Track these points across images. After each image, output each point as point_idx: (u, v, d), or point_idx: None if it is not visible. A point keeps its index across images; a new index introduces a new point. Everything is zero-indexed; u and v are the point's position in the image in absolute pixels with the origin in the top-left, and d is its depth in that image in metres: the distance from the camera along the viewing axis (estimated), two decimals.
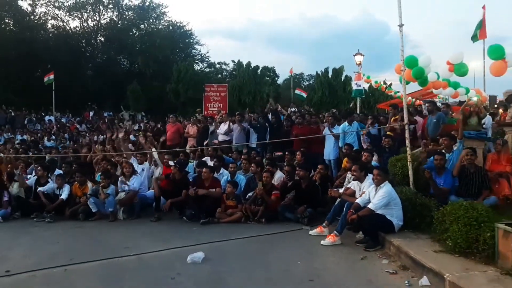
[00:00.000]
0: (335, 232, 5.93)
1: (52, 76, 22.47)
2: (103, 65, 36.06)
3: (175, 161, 8.90)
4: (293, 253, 5.60)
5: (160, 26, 39.13)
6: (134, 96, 29.12)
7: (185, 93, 27.16)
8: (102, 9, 37.59)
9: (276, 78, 35.21)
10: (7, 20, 33.04)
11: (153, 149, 9.86)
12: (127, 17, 38.65)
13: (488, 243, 4.45)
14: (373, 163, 7.68)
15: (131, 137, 13.66)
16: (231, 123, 11.58)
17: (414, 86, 10.50)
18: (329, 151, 9.63)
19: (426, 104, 9.39)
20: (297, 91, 25.31)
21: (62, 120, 23.21)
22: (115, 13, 38.29)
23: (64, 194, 8.37)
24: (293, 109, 16.74)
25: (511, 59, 6.08)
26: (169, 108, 26.45)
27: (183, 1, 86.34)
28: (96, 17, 37.79)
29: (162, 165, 9.35)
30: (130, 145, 11.35)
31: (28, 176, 9.63)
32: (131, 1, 38.25)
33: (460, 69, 7.15)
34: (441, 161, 6.59)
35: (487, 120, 9.75)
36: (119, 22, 38.04)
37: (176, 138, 12.46)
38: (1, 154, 11.29)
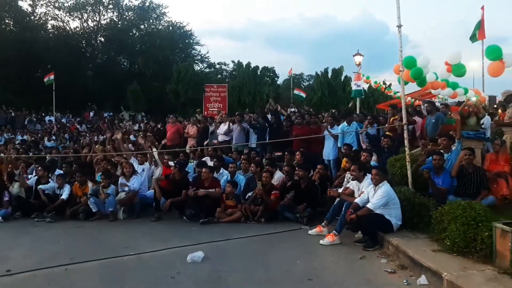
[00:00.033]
0: (334, 231, 5.96)
1: (52, 77, 22.50)
2: (103, 66, 36.09)
3: (175, 162, 8.94)
4: (293, 252, 5.63)
5: (160, 27, 39.19)
6: (134, 96, 29.16)
7: (185, 93, 27.20)
8: (102, 9, 37.66)
9: (276, 79, 35.26)
10: (7, 21, 33.08)
11: (154, 149, 9.90)
12: (127, 18, 38.69)
13: (486, 243, 4.46)
14: (372, 163, 7.71)
15: (131, 137, 13.70)
16: (230, 124, 11.62)
17: (414, 87, 10.53)
18: (328, 151, 9.67)
19: (425, 105, 9.41)
20: (295, 91, 25.35)
21: (62, 121, 23.22)
22: (115, 14, 38.38)
23: (64, 194, 8.41)
24: (292, 110, 16.78)
25: (508, 59, 6.10)
26: (169, 109, 26.48)
27: (183, 2, 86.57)
28: (96, 17, 37.88)
29: (162, 165, 9.38)
30: (130, 145, 11.39)
31: (29, 176, 9.67)
32: (131, 2, 38.40)
33: (458, 69, 7.18)
34: (439, 161, 6.62)
35: (486, 120, 9.80)
36: (119, 22, 38.08)
37: (176, 139, 12.49)
38: (2, 154, 11.32)
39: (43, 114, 24.75)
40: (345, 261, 5.23)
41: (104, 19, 38.15)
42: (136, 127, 18.59)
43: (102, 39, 38.33)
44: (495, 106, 14.77)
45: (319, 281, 4.60)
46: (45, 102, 25.28)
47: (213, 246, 5.97)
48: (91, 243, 6.45)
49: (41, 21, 35.35)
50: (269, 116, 11.23)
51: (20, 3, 33.79)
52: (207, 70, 39.24)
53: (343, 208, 6.12)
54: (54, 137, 16.73)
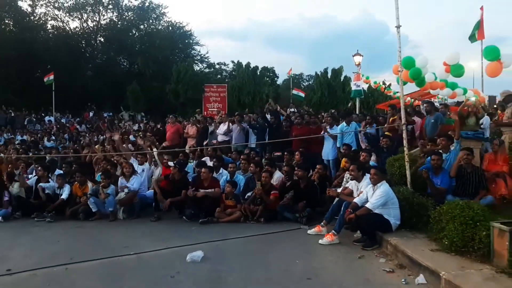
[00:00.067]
0: (333, 231, 5.98)
1: (52, 77, 22.53)
2: (102, 66, 36.13)
3: (175, 162, 8.96)
4: (292, 252, 5.65)
5: (160, 27, 39.23)
6: (133, 96, 29.19)
7: (185, 93, 27.23)
8: (101, 9, 37.69)
9: (275, 79, 35.28)
10: (7, 21, 33.10)
11: (154, 149, 9.92)
12: (127, 18, 38.72)
13: (484, 242, 4.49)
14: (371, 163, 7.73)
15: (131, 137, 13.72)
16: (230, 124, 11.64)
17: (413, 87, 10.56)
18: (327, 151, 9.69)
19: (424, 105, 9.44)
20: (294, 91, 25.38)
21: (62, 121, 23.26)
22: (115, 14, 38.41)
23: (64, 194, 8.43)
24: (292, 110, 16.80)
25: (506, 60, 6.14)
26: (169, 109, 26.51)
27: (182, 2, 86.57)
28: (96, 17, 37.91)
29: (161, 165, 9.40)
30: (130, 145, 11.42)
31: (29, 176, 9.69)
32: (131, 2, 38.45)
33: (456, 70, 7.21)
34: (438, 161, 6.65)
35: (485, 120, 9.81)
36: (119, 22, 38.11)
37: (175, 139, 12.51)
38: (2, 155, 11.35)
39: (42, 114, 24.78)
40: (344, 261, 5.26)
41: (103, 19, 38.25)
42: (135, 127, 18.61)
43: (102, 39, 38.37)
44: (495, 106, 14.80)
45: (318, 281, 4.62)
46: (44, 102, 25.30)
47: (213, 246, 5.99)
48: (91, 243, 6.46)
49: (41, 21, 35.39)
50: (268, 116, 11.25)
51: (20, 3, 33.90)
52: (207, 70, 39.30)
53: (342, 208, 6.14)
54: (53, 137, 16.76)
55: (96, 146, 11.38)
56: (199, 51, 40.42)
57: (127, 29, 37.67)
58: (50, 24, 36.57)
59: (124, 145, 10.58)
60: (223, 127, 11.69)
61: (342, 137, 9.43)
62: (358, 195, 6.28)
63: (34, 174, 9.64)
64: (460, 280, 4.01)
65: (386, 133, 8.95)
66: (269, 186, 7.72)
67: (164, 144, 11.73)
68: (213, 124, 12.53)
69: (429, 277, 4.37)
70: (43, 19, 35.74)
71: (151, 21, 39.29)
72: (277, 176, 8.31)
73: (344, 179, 7.52)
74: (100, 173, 8.91)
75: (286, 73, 32.73)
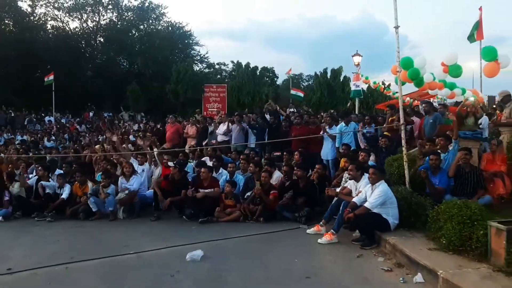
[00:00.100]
0: (332, 230, 6.01)
1: (51, 77, 22.56)
2: (102, 66, 36.17)
3: (175, 162, 8.98)
4: (291, 251, 5.68)
5: (160, 27, 39.28)
6: (133, 96, 29.24)
7: (185, 93, 27.27)
8: (101, 10, 37.73)
9: (275, 79, 35.35)
10: (7, 21, 33.15)
11: (154, 149, 9.95)
12: (127, 18, 38.76)
13: (481, 241, 4.53)
14: (370, 163, 7.76)
15: (131, 137, 13.76)
16: (230, 124, 11.67)
17: (412, 87, 10.59)
18: (327, 151, 9.71)
19: (423, 105, 9.48)
20: (293, 92, 25.44)
21: (62, 121, 23.29)
22: (115, 14, 38.44)
23: (64, 194, 8.46)
24: (291, 110, 16.83)
25: (504, 60, 6.17)
26: (169, 109, 26.55)
27: (182, 2, 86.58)
28: (95, 18, 37.95)
29: (161, 165, 9.43)
30: (130, 145, 11.45)
31: (30, 176, 9.72)
32: (131, 2, 38.51)
33: (454, 70, 7.24)
34: (436, 161, 6.68)
35: (484, 120, 9.85)
36: (119, 23, 38.14)
37: (175, 139, 12.54)
38: (2, 155, 11.37)
39: (42, 115, 24.82)
40: (342, 260, 5.29)
41: (103, 20, 38.30)
42: (135, 127, 18.64)
43: (102, 40, 38.41)
44: (494, 106, 14.83)
45: (317, 280, 4.65)
46: (44, 102, 25.33)
47: (212, 245, 6.02)
48: (91, 243, 6.50)
49: (41, 22, 35.44)
50: (267, 116, 11.28)
51: (19, 3, 33.96)
52: (207, 70, 39.34)
53: (341, 208, 6.17)
54: (53, 137, 16.79)
55: (97, 146, 11.41)
56: (199, 51, 40.55)
57: (127, 29, 37.71)
58: (50, 24, 36.73)
59: (124, 145, 10.61)
60: (222, 127, 11.73)
61: (341, 137, 9.45)
62: (357, 195, 6.31)
63: (34, 174, 9.67)
64: (458, 278, 4.04)
65: (385, 133, 8.98)
66: (268, 186, 7.75)
67: (164, 146, 11.77)
68: (212, 124, 12.57)
69: (427, 276, 4.41)
70: (43, 19, 35.85)
71: (150, 21, 39.35)
72: (277, 176, 8.34)
73: (343, 179, 7.56)
74: (100, 173, 8.94)
75: (285, 73, 32.70)
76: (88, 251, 5.86)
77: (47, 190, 8.62)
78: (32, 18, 34.64)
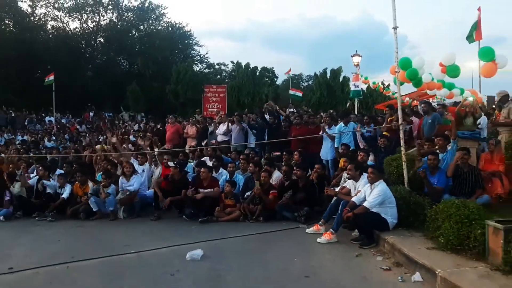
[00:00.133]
0: (331, 230, 6.04)
1: (51, 77, 22.58)
2: (102, 66, 36.21)
3: (175, 162, 9.02)
4: (290, 251, 5.71)
5: (160, 27, 39.33)
6: (133, 96, 29.28)
7: (184, 94, 27.31)
8: (101, 10, 37.78)
9: (275, 79, 35.39)
10: (7, 21, 33.19)
11: (155, 149, 9.99)
12: (127, 18, 38.80)
13: (479, 240, 4.55)
14: (369, 162, 7.80)
15: (131, 137, 13.79)
16: (229, 124, 11.71)
17: (412, 87, 10.62)
18: (326, 151, 9.75)
19: (422, 105, 9.50)
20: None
21: (62, 121, 23.32)
22: (115, 14, 38.49)
23: (65, 193, 8.49)
24: (291, 110, 16.86)
25: (501, 60, 6.21)
26: (169, 109, 26.58)
27: (182, 2, 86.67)
28: (95, 18, 38.01)
29: (161, 164, 9.46)
30: (130, 145, 11.48)
31: (31, 176, 9.75)
32: (131, 2, 38.57)
33: (452, 70, 7.28)
34: (434, 161, 6.70)
35: (483, 120, 9.87)
36: (119, 23, 38.18)
37: (175, 139, 12.56)
38: (3, 155, 11.41)
39: (43, 115, 24.85)
40: (341, 259, 5.32)
41: (103, 20, 38.36)
42: (136, 127, 18.68)
43: (102, 40, 38.46)
44: (493, 106, 14.85)
45: (316, 279, 4.68)
46: (45, 103, 25.38)
47: (212, 245, 6.05)
48: (92, 242, 6.53)
49: (41, 22, 35.48)
50: (267, 116, 11.31)
51: (20, 4, 34.02)
52: (207, 70, 39.39)
53: (340, 207, 6.20)
54: (54, 138, 16.81)
55: (97, 146, 11.44)
56: (199, 52, 40.62)
57: (127, 29, 37.76)
58: (50, 25, 36.78)
59: (124, 145, 10.64)
60: (222, 127, 11.76)
61: (340, 137, 9.49)
62: (355, 194, 6.35)
63: (35, 174, 9.70)
64: (456, 277, 4.08)
65: (384, 133, 9.01)
66: (268, 186, 7.79)
67: (165, 146, 11.81)
68: (212, 125, 12.60)
69: (425, 275, 4.44)
70: (43, 19, 35.90)
71: (150, 21, 39.40)
72: (276, 175, 8.37)
73: (342, 179, 7.59)
74: (101, 172, 8.97)
75: (284, 74, 32.76)
76: (89, 250, 5.89)
77: (48, 190, 8.66)
78: (32, 18, 34.68)
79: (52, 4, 36.16)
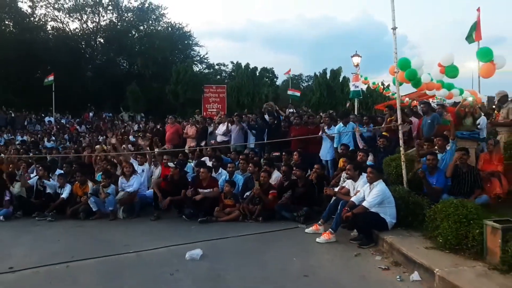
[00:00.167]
0: (330, 230, 6.06)
1: (52, 78, 22.60)
2: (102, 66, 36.22)
3: (175, 162, 9.03)
4: (289, 250, 5.73)
5: (159, 28, 39.36)
6: (133, 97, 29.29)
7: (184, 94, 27.33)
8: (101, 10, 37.82)
9: (275, 79, 35.43)
10: (7, 22, 33.24)
11: (156, 149, 10.00)
12: (127, 19, 38.83)
13: (477, 240, 4.58)
14: (368, 162, 7.81)
15: (131, 137, 13.80)
16: (229, 124, 11.72)
17: (411, 88, 10.64)
18: (325, 152, 9.76)
19: (421, 105, 9.51)
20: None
21: (62, 121, 23.34)
22: (115, 15, 38.52)
23: (65, 193, 8.51)
24: (291, 110, 16.87)
25: (499, 61, 6.23)
26: (168, 109, 26.61)
27: (182, 3, 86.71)
28: (95, 18, 38.04)
29: (161, 164, 9.48)
30: (129, 145, 11.50)
31: (31, 175, 9.77)
32: (131, 3, 38.57)
33: (450, 71, 7.30)
34: (433, 161, 6.72)
35: (482, 120, 9.90)
36: (119, 23, 38.21)
37: (175, 139, 12.57)
38: (2, 155, 11.42)
39: (42, 115, 24.87)
40: (340, 259, 5.35)
41: (103, 20, 38.40)
42: (135, 128, 18.70)
43: (102, 40, 38.50)
44: (494, 106, 14.86)
45: (315, 278, 4.70)
46: (44, 103, 25.42)
47: (211, 244, 6.07)
48: (92, 242, 6.54)
49: (41, 22, 35.53)
50: (266, 116, 11.33)
51: (20, 4, 34.07)
52: (206, 71, 39.43)
53: (339, 207, 6.22)
54: (53, 138, 16.83)
55: (97, 146, 11.46)
56: (199, 52, 40.66)
57: (126, 30, 37.78)
58: (50, 25, 36.83)
59: (124, 146, 10.66)
60: (222, 128, 11.78)
61: (339, 138, 9.50)
62: (354, 194, 6.37)
63: (34, 174, 9.72)
64: (454, 276, 4.10)
65: (383, 133, 9.03)
66: (267, 186, 7.80)
67: (165, 146, 11.83)
68: (212, 125, 12.62)
69: (423, 274, 4.46)
70: (43, 20, 35.96)
71: (150, 22, 39.43)
72: (276, 176, 8.39)
73: (341, 179, 7.61)
74: (100, 172, 8.99)
75: (284, 74, 32.79)
76: (89, 250, 5.90)
77: (48, 190, 8.68)
78: (32, 19, 34.73)
79: (52, 5, 36.27)
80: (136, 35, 38.67)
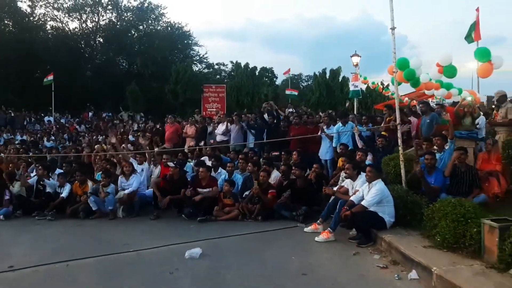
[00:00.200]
0: (329, 229, 6.09)
1: (51, 77, 22.59)
2: (102, 66, 36.21)
3: (174, 162, 9.05)
4: (288, 249, 5.76)
5: (159, 27, 39.33)
6: (133, 97, 29.28)
7: (184, 94, 27.32)
8: (101, 10, 37.78)
9: (274, 79, 35.45)
10: (6, 21, 33.21)
11: (155, 149, 10.02)
12: (126, 18, 38.80)
13: (475, 238, 4.61)
14: (367, 162, 7.83)
15: (130, 137, 13.81)
16: (228, 124, 11.74)
17: (410, 87, 10.66)
18: (325, 151, 9.79)
19: (420, 105, 9.54)
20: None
21: (61, 121, 23.34)
22: (114, 14, 38.49)
23: (64, 193, 8.52)
24: (290, 110, 16.90)
25: (497, 61, 6.25)
26: (168, 109, 26.61)
27: (182, 2, 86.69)
28: (95, 18, 37.99)
29: (160, 164, 9.50)
30: (129, 145, 11.52)
31: (31, 174, 9.78)
32: (130, 2, 38.54)
33: (449, 71, 7.32)
34: (431, 161, 6.75)
35: (481, 120, 9.93)
36: (118, 23, 38.18)
37: (174, 138, 12.59)
38: (2, 154, 11.43)
39: (42, 115, 24.86)
40: (339, 257, 5.37)
41: (103, 20, 38.37)
42: (135, 127, 18.70)
43: (101, 40, 38.47)
44: (493, 106, 14.87)
45: (314, 277, 4.73)
46: (44, 102, 25.37)
47: (211, 243, 6.09)
48: (91, 241, 6.56)
49: (40, 22, 35.50)
50: (266, 116, 11.35)
51: (19, 4, 34.03)
52: (206, 70, 39.44)
53: (338, 206, 6.25)
54: (53, 138, 16.83)
55: (97, 146, 11.47)
56: (198, 52, 40.62)
57: (126, 29, 37.75)
58: (50, 25, 36.78)
59: (123, 145, 10.67)
60: (221, 127, 11.80)
61: (338, 137, 9.53)
62: (353, 194, 6.39)
63: (34, 173, 9.73)
64: (451, 275, 4.13)
65: (382, 133, 9.06)
66: (266, 185, 7.82)
67: (165, 146, 11.85)
68: (211, 124, 12.63)
69: (421, 273, 4.49)
70: (43, 19, 35.90)
71: (150, 21, 39.38)
72: (275, 175, 8.41)
73: (340, 178, 7.63)
74: (100, 172, 9.00)
75: (283, 73, 32.76)
76: (88, 249, 5.93)
77: (48, 189, 8.69)
78: (31, 18, 34.70)
79: (51, 4, 36.20)
80: (136, 34, 38.65)
